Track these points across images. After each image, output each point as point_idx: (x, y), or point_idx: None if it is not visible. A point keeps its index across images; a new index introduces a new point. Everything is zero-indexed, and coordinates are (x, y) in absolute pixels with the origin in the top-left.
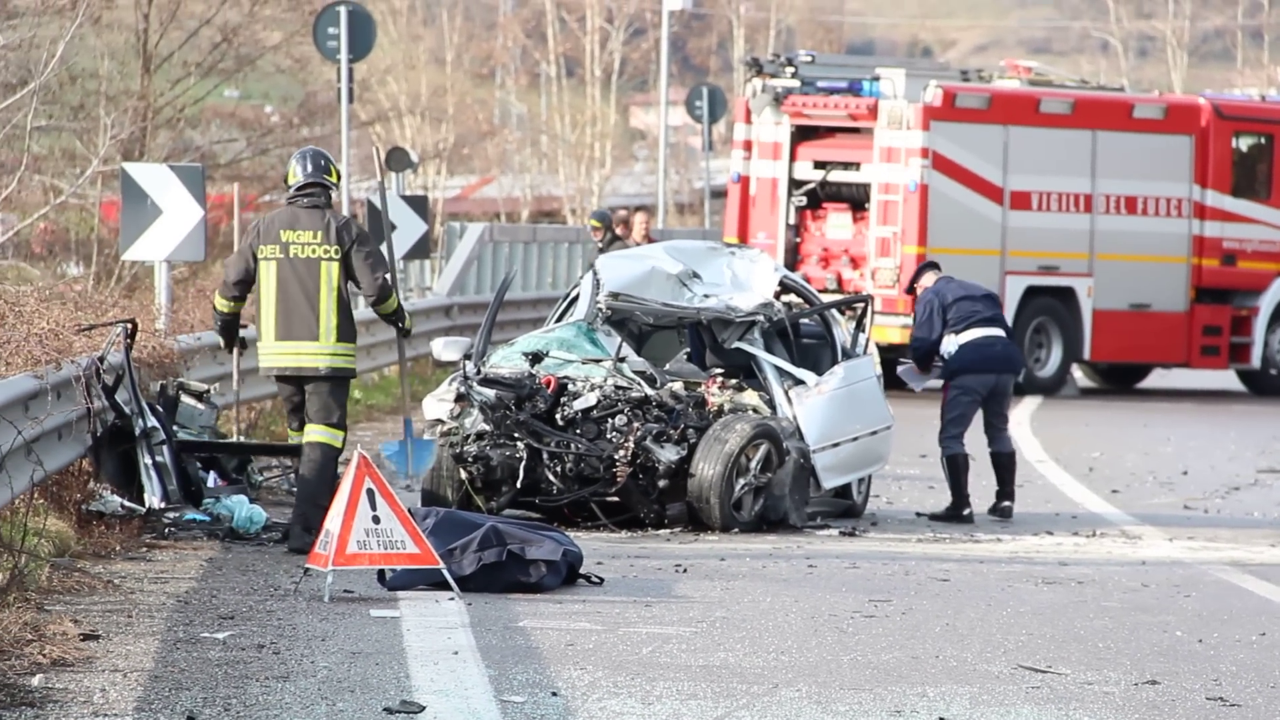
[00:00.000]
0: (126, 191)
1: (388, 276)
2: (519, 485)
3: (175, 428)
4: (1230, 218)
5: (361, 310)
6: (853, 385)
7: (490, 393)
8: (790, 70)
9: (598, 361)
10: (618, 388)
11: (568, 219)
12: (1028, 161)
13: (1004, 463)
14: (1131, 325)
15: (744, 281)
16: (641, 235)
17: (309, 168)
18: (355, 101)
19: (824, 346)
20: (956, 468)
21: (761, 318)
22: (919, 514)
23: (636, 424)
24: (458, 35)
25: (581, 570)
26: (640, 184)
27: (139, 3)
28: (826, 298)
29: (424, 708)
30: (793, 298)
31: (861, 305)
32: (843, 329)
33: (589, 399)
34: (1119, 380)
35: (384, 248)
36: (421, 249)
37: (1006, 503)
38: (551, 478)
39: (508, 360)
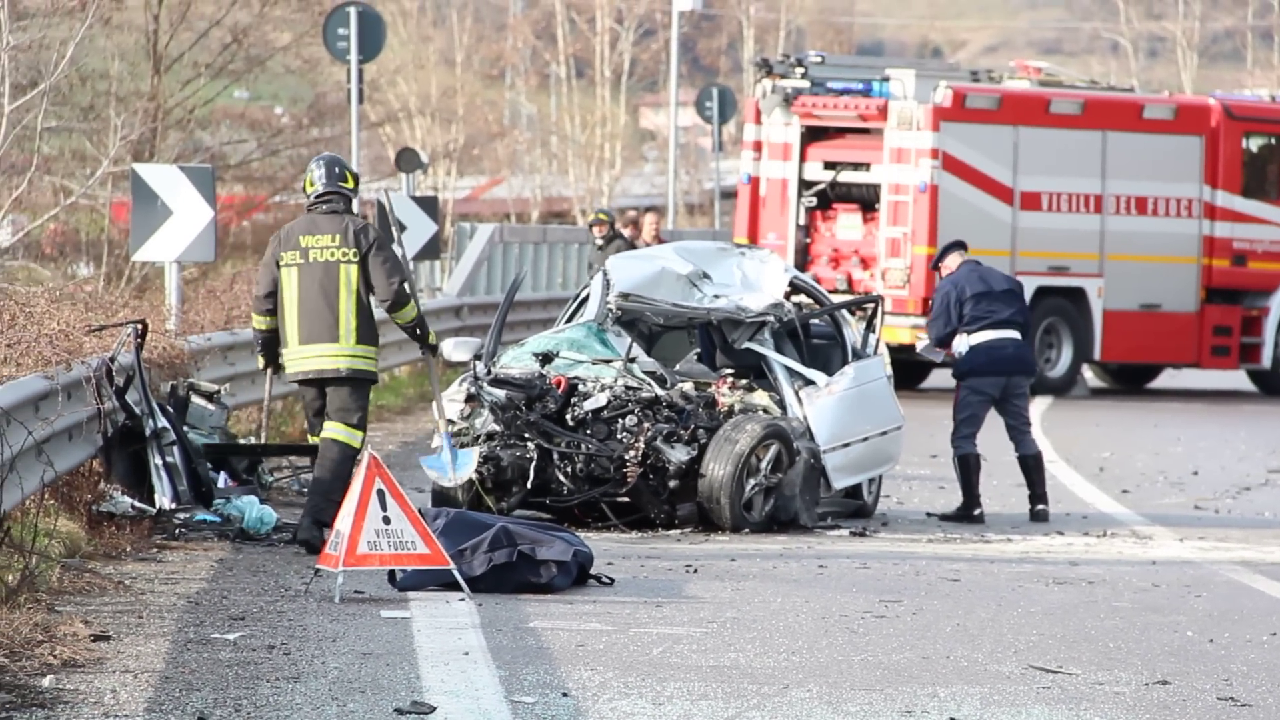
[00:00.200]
0: (137, 192)
1: (406, 284)
2: (529, 486)
3: (185, 428)
4: (1240, 218)
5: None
6: (863, 385)
7: (501, 393)
8: (800, 71)
9: (608, 362)
10: (628, 388)
11: (577, 220)
12: (1038, 162)
13: (1031, 465)
14: (1142, 325)
15: (754, 282)
16: (651, 236)
17: (325, 176)
18: (365, 102)
19: (834, 347)
20: (968, 468)
21: (772, 318)
22: (929, 514)
23: (647, 424)
24: (467, 36)
25: (592, 571)
26: (650, 185)
27: (149, 4)
28: (836, 298)
29: (435, 708)
30: (803, 298)
31: (872, 305)
32: (853, 329)
33: (599, 399)
34: (1129, 380)
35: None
36: (432, 250)
37: (1040, 506)
38: (562, 478)
39: (518, 361)
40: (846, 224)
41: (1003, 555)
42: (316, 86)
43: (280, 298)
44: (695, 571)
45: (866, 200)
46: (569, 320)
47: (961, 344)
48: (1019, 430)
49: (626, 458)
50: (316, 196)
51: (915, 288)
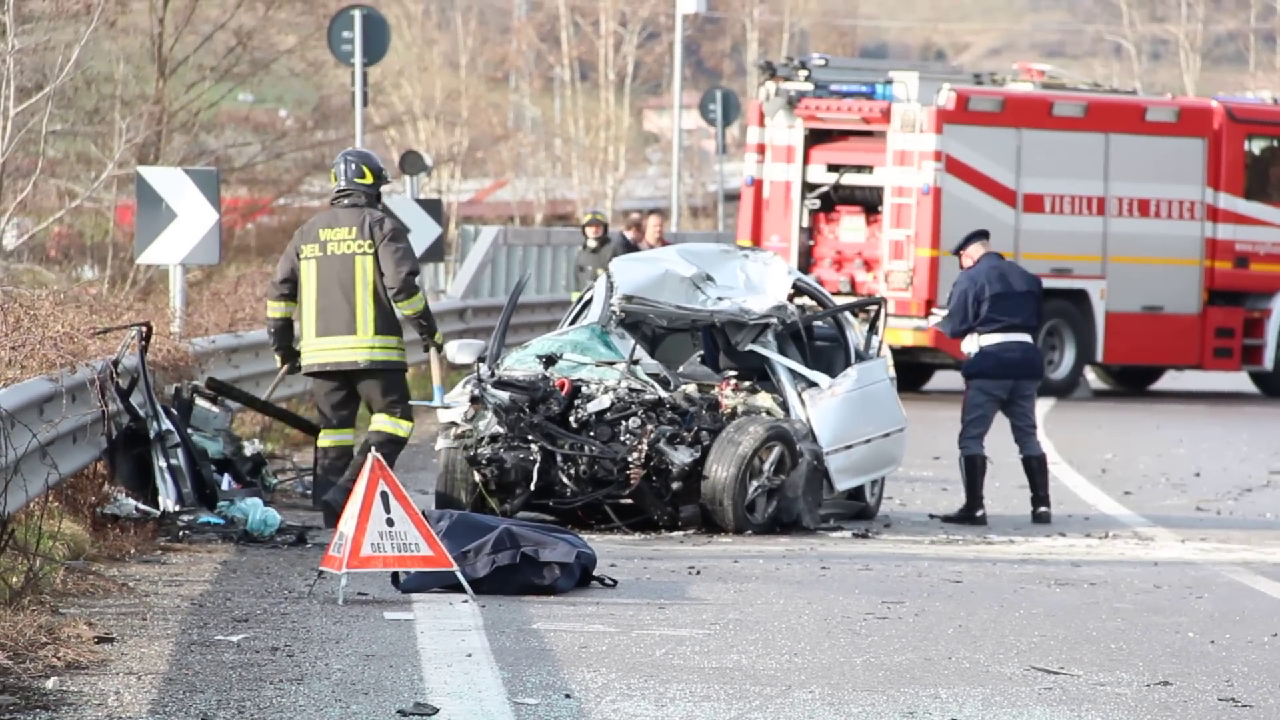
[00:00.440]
0: (141, 195)
1: (415, 275)
2: (533, 487)
3: (189, 430)
4: (1243, 220)
5: None
6: (866, 387)
7: (504, 395)
8: (804, 73)
9: (611, 364)
10: (631, 390)
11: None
12: (1041, 164)
13: (1035, 466)
14: (1144, 327)
15: (757, 284)
16: (655, 238)
17: (345, 172)
18: (369, 105)
19: (837, 349)
20: (974, 468)
21: (775, 320)
22: (932, 516)
23: (650, 426)
24: (472, 39)
25: (595, 572)
26: (654, 187)
27: (154, 7)
28: (840, 300)
29: (438, 710)
30: (806, 300)
31: (875, 308)
32: (856, 331)
33: (603, 401)
34: (1132, 382)
35: None
36: (436, 252)
37: (1043, 508)
38: (565, 480)
39: (522, 363)
40: (849, 226)
41: (1005, 556)
42: (321, 89)
43: (300, 291)
44: (698, 573)
45: (870, 203)
46: (573, 322)
47: (971, 345)
48: (1024, 432)
49: (630, 460)
50: (338, 191)
51: (918, 290)
